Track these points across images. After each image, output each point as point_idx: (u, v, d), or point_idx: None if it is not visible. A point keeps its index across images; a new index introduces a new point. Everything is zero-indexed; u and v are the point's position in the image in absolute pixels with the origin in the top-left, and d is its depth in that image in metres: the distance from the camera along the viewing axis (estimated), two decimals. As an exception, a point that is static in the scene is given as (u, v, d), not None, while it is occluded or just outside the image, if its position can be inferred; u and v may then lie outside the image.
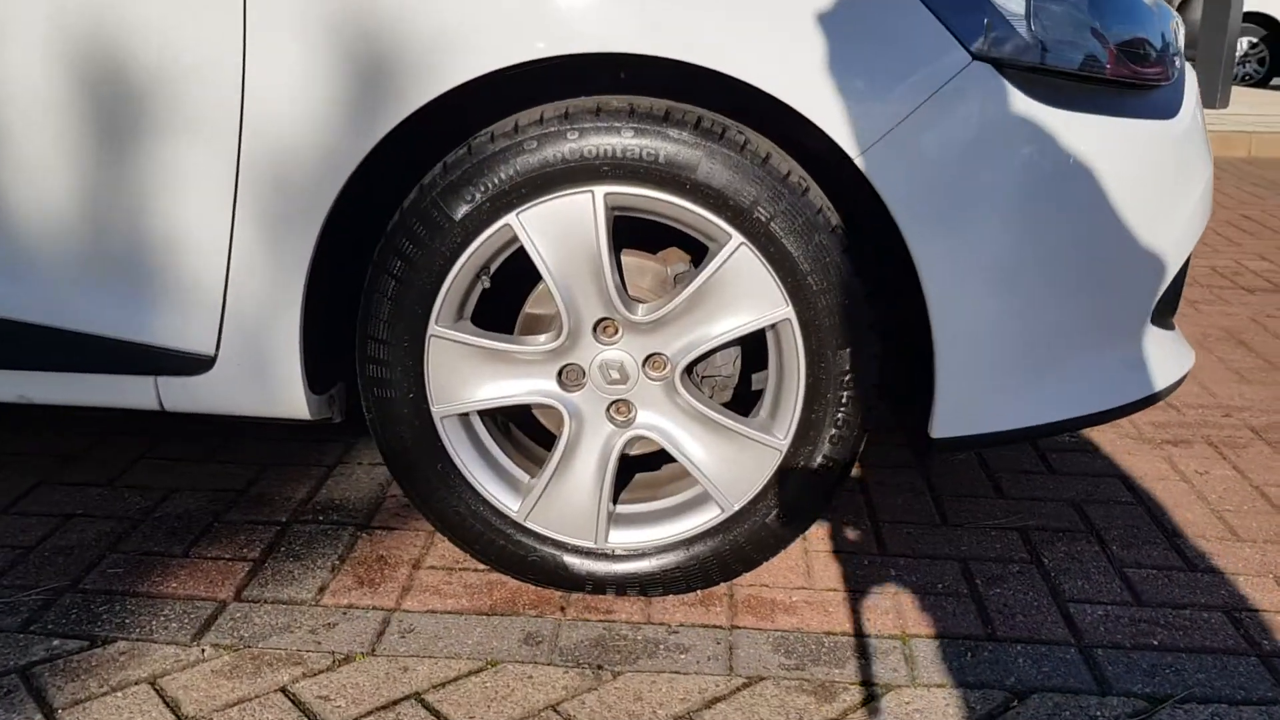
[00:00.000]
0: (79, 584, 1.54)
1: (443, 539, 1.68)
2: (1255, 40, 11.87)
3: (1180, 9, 11.08)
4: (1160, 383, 1.59)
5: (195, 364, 1.48)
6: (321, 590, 1.55)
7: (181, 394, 1.51)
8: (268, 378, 1.48)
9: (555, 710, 1.30)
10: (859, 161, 1.33)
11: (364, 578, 1.58)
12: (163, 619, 1.46)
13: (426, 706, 1.30)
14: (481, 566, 1.61)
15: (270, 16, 1.33)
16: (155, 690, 1.32)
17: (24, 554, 1.62)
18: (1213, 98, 7.43)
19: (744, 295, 1.40)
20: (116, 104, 1.37)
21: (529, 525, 1.51)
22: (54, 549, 1.64)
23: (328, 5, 1.32)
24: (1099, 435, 2.14)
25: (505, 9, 1.30)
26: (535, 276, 1.47)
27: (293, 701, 1.30)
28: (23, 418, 2.07)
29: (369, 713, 1.29)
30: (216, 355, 1.47)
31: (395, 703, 1.31)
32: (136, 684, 1.33)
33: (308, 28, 1.33)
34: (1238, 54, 11.86)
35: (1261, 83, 12.00)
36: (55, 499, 1.79)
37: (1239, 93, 9.83)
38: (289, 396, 1.49)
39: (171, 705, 1.29)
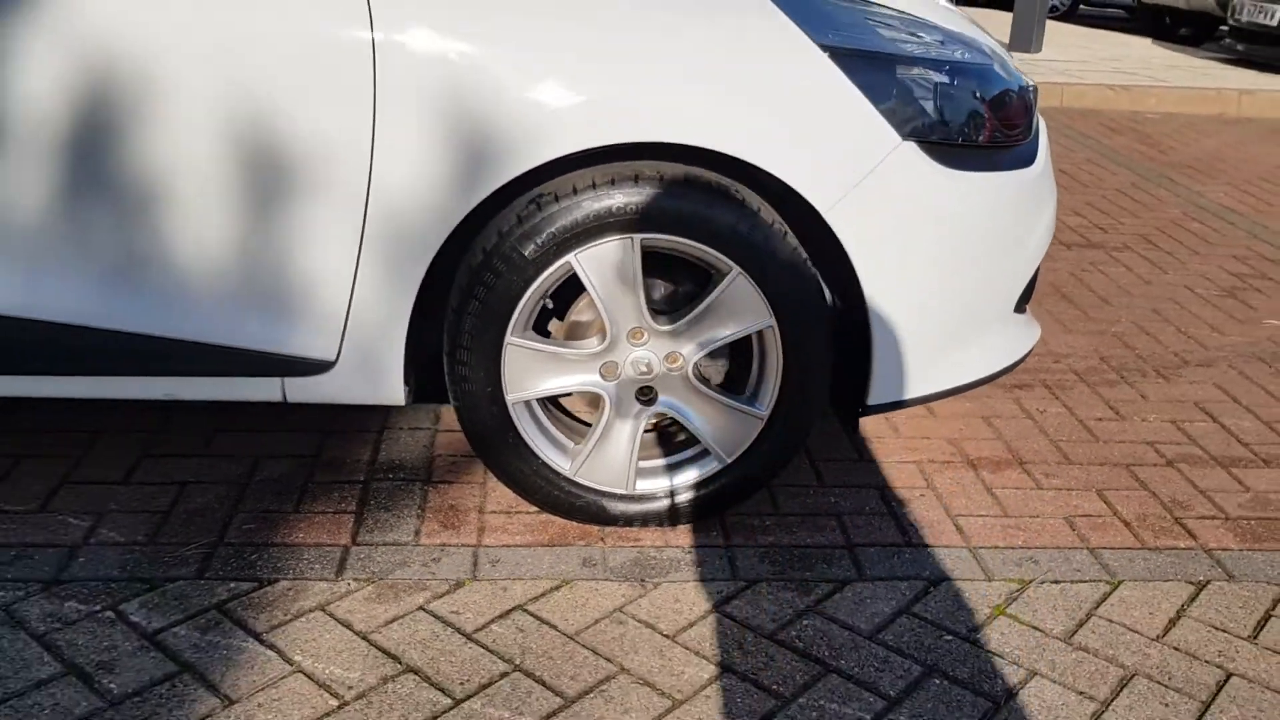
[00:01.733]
0: (224, 539, 1.98)
1: (496, 489, 2.17)
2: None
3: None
4: (1021, 351, 2.21)
5: (318, 367, 1.92)
6: (416, 534, 2.02)
7: (302, 389, 1.95)
8: (376, 376, 1.93)
9: (621, 611, 1.84)
10: (826, 215, 1.86)
11: (445, 522, 2.07)
12: (306, 562, 1.92)
13: (530, 614, 1.82)
14: (533, 509, 2.11)
15: (395, 109, 1.75)
16: (328, 614, 1.79)
17: (164, 517, 2.04)
18: (1026, 43, 8.24)
19: (740, 310, 1.93)
20: (272, 172, 1.77)
21: (577, 479, 2.02)
22: (187, 512, 2.05)
23: (440, 102, 1.75)
24: (965, 382, 2.77)
25: (580, 111, 1.77)
26: (569, 294, 1.97)
27: (433, 616, 1.80)
28: (109, 403, 2.43)
29: (491, 621, 1.79)
30: (336, 361, 1.91)
31: (507, 613, 1.82)
32: (312, 611, 1.79)
33: (424, 118, 1.76)
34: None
35: (1068, 14, 13.03)
36: (163, 470, 2.19)
37: (1048, 29, 10.71)
38: (390, 389, 1.95)
39: (345, 624, 1.77)
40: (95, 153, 1.75)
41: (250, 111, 1.74)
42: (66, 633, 1.71)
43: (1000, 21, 10.33)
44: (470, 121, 1.77)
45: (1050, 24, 11.49)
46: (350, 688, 1.63)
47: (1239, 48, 8.88)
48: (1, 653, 1.65)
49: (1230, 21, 9.06)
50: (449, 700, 1.62)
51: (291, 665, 1.67)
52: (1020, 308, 2.24)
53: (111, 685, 1.61)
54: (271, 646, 1.71)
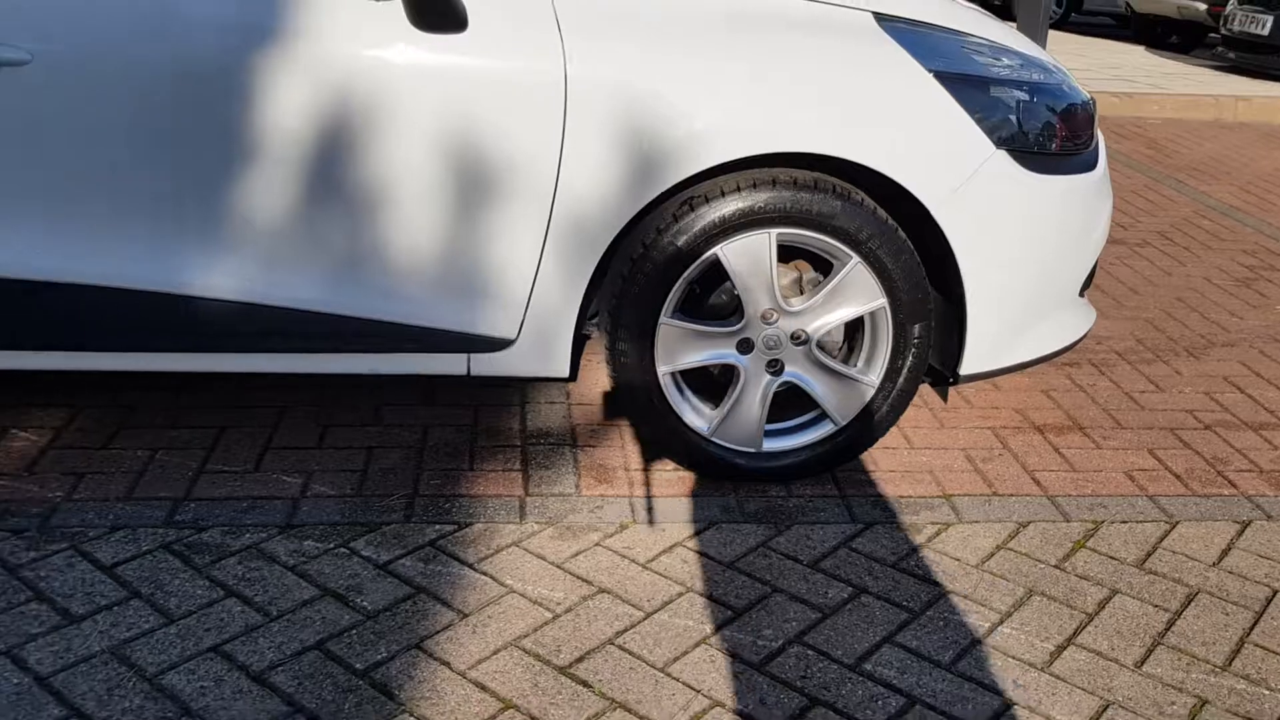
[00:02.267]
0: (418, 491, 2.32)
1: (636, 451, 2.52)
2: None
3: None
4: (1084, 329, 2.57)
5: (500, 344, 2.26)
6: (577, 487, 2.37)
7: (485, 364, 2.29)
8: (549, 353, 2.27)
9: (765, 547, 2.18)
10: (935, 212, 2.21)
11: (599, 477, 2.41)
12: (492, 509, 2.26)
13: (688, 549, 2.16)
14: (671, 466, 2.46)
15: (580, 129, 2.10)
16: (523, 550, 2.13)
17: (362, 475, 2.37)
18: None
19: (857, 293, 2.28)
20: (475, 181, 2.12)
21: (714, 439, 2.37)
22: (380, 470, 2.39)
23: (617, 123, 2.10)
24: (1021, 362, 3.13)
25: (730, 128, 2.12)
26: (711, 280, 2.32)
27: (610, 551, 2.14)
28: (288, 383, 2.76)
29: (658, 554, 2.14)
30: (516, 339, 2.26)
31: (670, 548, 2.16)
32: (509, 547, 2.13)
33: (603, 136, 2.10)
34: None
35: (1061, 21, 13.45)
36: (347, 437, 2.53)
37: (1065, 38, 11.12)
38: (559, 364, 2.29)
39: (539, 557, 2.11)
40: (332, 167, 2.09)
41: (460, 129, 2.08)
42: (313, 564, 2.04)
43: (1001, 30, 10.72)
44: (640, 139, 2.11)
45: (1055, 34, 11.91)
46: (558, 604, 1.98)
47: (1231, 55, 9.30)
48: (264, 580, 1.99)
49: (1222, 31, 9.48)
50: (641, 613, 1.96)
51: (505, 588, 2.01)
52: (1081, 293, 2.60)
53: (364, 603, 1.95)
54: (485, 574, 2.05)
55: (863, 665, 1.87)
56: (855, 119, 2.17)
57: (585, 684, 1.78)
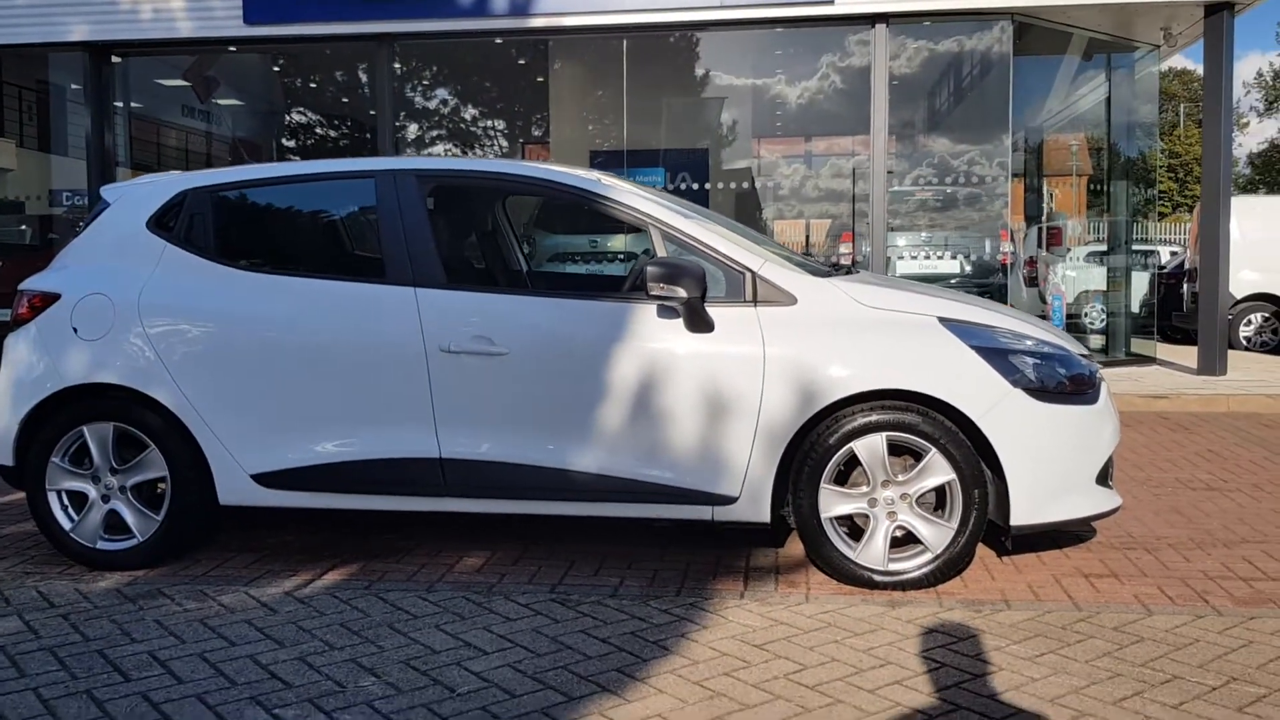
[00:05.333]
0: (683, 586, 4.04)
1: (802, 568, 4.15)
2: (1266, 315, 14.40)
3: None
4: (1105, 507, 4.08)
5: (729, 500, 4.04)
6: (775, 588, 4.02)
7: (721, 514, 4.06)
8: (758, 507, 4.02)
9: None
10: (978, 421, 3.89)
11: (790, 582, 4.06)
12: (727, 594, 3.94)
13: (838, 614, 3.75)
14: (824, 577, 4.07)
15: (772, 376, 3.95)
16: (740, 608, 3.79)
17: (650, 579, 4.13)
18: (1212, 366, 9.94)
19: (937, 472, 3.93)
20: (716, 405, 3.98)
21: (857, 561, 3.99)
22: (660, 579, 4.14)
23: (789, 373, 3.94)
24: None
25: (855, 377, 3.92)
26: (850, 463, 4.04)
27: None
28: (574, 526, 4.61)
29: (817, 613, 3.74)
30: (739, 497, 4.03)
31: (824, 612, 3.76)
32: (733, 608, 3.80)
33: (783, 380, 3.95)
34: (1254, 327, 14.38)
35: (1276, 349, 14.45)
36: (647, 563, 4.31)
37: (1252, 358, 12.26)
38: (763, 513, 4.03)
39: (747, 610, 3.75)
40: (642, 400, 4.01)
41: (710, 380, 3.99)
42: (627, 608, 3.79)
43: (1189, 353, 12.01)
44: (806, 382, 3.95)
45: (1261, 355, 13.03)
46: (755, 631, 3.62)
47: None
48: (601, 614, 3.75)
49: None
50: (802, 631, 3.57)
51: (724, 619, 3.67)
52: (1104, 482, 4.12)
53: (654, 621, 3.66)
54: (716, 614, 3.73)
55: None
56: (930, 371, 3.92)
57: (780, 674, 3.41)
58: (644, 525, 4.17)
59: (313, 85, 15.05)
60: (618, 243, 10.73)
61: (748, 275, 4.06)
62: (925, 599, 3.91)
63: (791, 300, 4.03)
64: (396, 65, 11.78)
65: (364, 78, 13.79)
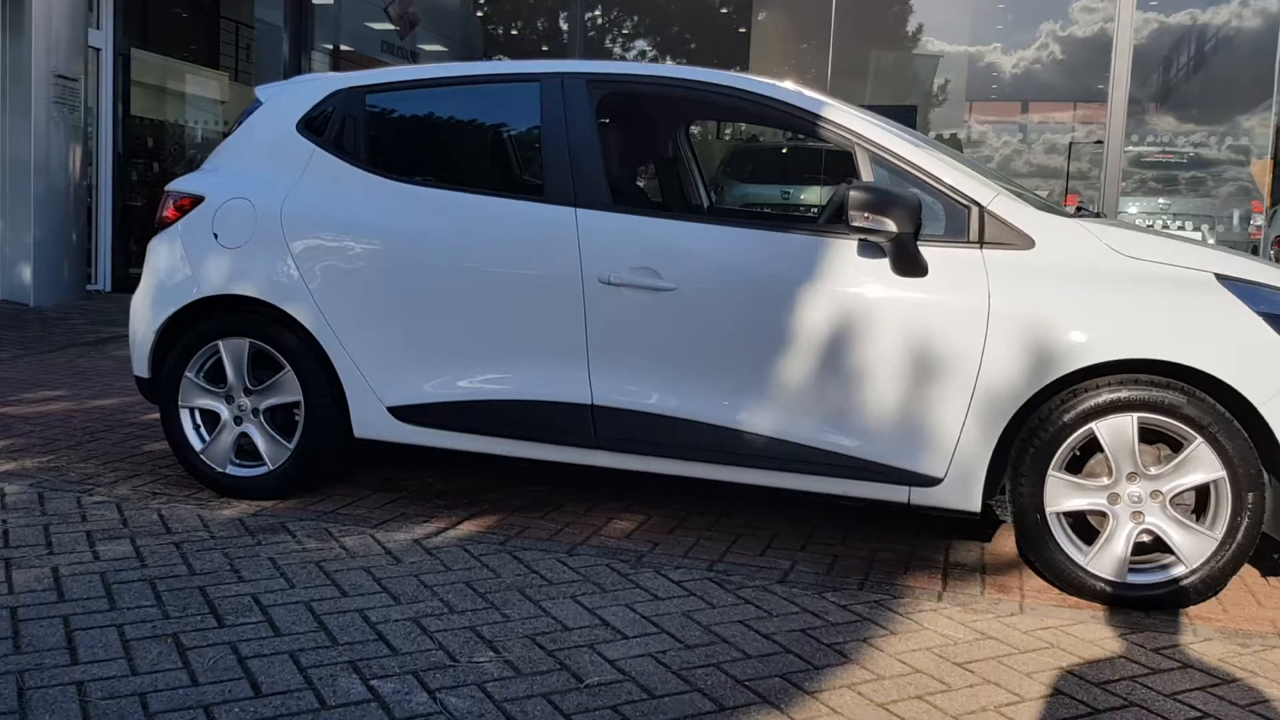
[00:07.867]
0: (868, 578, 3.38)
1: (1015, 570, 3.42)
2: None
3: None
4: None
5: (931, 481, 3.34)
6: (982, 593, 3.31)
7: (920, 496, 3.37)
8: (967, 492, 3.31)
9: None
10: (1260, 407, 3.06)
11: (999, 586, 3.34)
12: (922, 595, 3.26)
13: (1063, 633, 3.02)
14: (1042, 584, 3.33)
15: (996, 338, 3.23)
16: (936, 614, 3.10)
17: (830, 565, 3.49)
18: None
19: (1201, 466, 3.13)
20: (924, 364, 3.29)
21: (1088, 568, 3.23)
22: (843, 567, 3.49)
23: (1021, 335, 3.21)
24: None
25: (1104, 342, 3.15)
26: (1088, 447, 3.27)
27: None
28: (748, 502, 4.00)
29: (1034, 630, 3.02)
30: (944, 478, 3.33)
31: (1045, 628, 3.04)
32: (927, 612, 3.12)
33: (1010, 343, 3.21)
34: None
35: None
36: (823, 547, 3.67)
37: None
38: (973, 501, 3.32)
39: (947, 618, 3.07)
40: (835, 354, 3.36)
41: (918, 334, 3.30)
42: (796, 599, 3.16)
43: None
44: (1039, 345, 3.20)
45: None
46: (954, 640, 2.93)
47: None
48: (768, 601, 3.13)
49: None
50: (1015, 649, 2.87)
51: (916, 623, 3.00)
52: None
53: (829, 619, 3.02)
54: (897, 613, 3.06)
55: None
56: (1196, 339, 3.11)
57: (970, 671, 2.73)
58: (823, 501, 3.54)
59: (514, 33, 14.98)
60: (813, 195, 9.96)
61: (974, 210, 3.34)
62: (1173, 623, 3.13)
63: (1028, 243, 3.29)
64: (597, 13, 11.41)
65: (564, 26, 13.52)
